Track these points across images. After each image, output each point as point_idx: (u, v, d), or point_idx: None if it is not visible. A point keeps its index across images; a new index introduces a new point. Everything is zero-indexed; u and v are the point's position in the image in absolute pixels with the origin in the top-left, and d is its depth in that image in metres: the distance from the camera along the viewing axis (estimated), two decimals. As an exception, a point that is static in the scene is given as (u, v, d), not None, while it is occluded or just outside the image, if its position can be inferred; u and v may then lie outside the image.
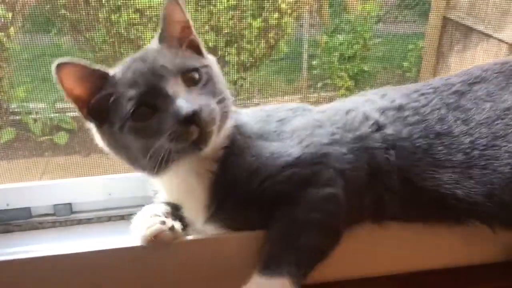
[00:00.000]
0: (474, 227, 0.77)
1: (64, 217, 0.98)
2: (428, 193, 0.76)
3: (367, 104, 0.84)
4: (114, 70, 0.74)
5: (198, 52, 0.78)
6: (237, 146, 0.77)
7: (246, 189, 0.74)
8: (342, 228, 0.75)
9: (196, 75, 0.72)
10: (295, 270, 0.69)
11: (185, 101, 0.67)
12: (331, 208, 0.73)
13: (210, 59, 0.80)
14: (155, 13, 1.30)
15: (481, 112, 0.79)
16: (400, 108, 0.82)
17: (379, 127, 0.79)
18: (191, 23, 0.77)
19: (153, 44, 0.77)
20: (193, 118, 0.66)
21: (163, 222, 0.74)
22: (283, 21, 1.40)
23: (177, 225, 0.76)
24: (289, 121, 0.81)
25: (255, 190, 0.74)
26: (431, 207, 0.77)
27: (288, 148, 0.76)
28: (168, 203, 0.82)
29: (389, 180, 0.76)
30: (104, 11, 1.28)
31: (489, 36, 1.46)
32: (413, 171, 0.76)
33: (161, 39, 0.76)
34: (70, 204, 0.98)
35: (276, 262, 0.69)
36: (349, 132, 0.79)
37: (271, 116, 0.83)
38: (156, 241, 0.72)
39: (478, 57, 1.49)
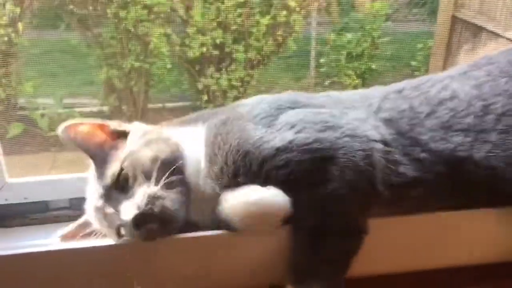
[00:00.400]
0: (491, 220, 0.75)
1: (81, 211, 0.99)
2: (443, 156, 0.72)
3: (372, 91, 0.83)
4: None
5: (122, 133, 0.79)
6: (217, 144, 0.75)
7: (248, 173, 0.72)
8: (362, 222, 0.72)
9: (123, 173, 0.73)
10: (326, 284, 0.69)
11: (124, 215, 0.69)
12: (342, 209, 0.71)
13: (132, 131, 0.79)
14: (163, 10, 1.30)
15: (498, 85, 0.76)
16: (400, 90, 0.80)
17: (376, 108, 0.77)
18: (96, 122, 0.77)
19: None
20: (139, 222, 0.68)
21: None
22: (292, 18, 1.40)
23: None
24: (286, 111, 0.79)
25: (257, 173, 0.71)
26: (449, 174, 0.73)
27: (279, 133, 0.74)
28: None
29: (395, 152, 0.73)
30: (112, 7, 1.29)
31: (498, 35, 1.45)
32: (420, 134, 0.74)
33: (94, 161, 0.77)
34: (86, 198, 0.98)
35: (307, 277, 0.69)
36: (344, 116, 0.77)
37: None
38: None
39: (487, 57, 1.48)
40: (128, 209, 0.69)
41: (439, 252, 0.82)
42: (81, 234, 0.77)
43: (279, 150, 0.71)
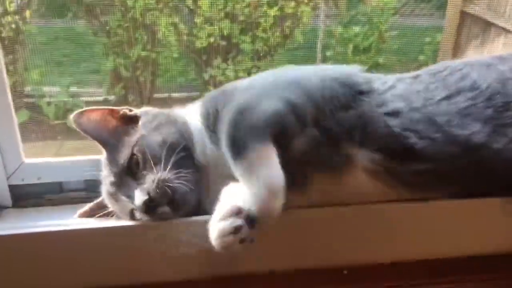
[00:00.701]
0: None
1: (96, 192, 0.99)
2: (458, 140, 0.72)
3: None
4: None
5: (133, 118, 0.80)
6: (207, 101, 0.80)
7: (223, 108, 0.74)
8: (304, 121, 0.73)
9: (134, 158, 0.74)
10: (252, 148, 0.65)
11: (135, 201, 0.71)
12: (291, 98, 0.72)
13: (142, 116, 0.81)
14: (172, -1, 1.30)
15: None
16: (417, 76, 0.80)
17: (390, 85, 0.78)
18: (107, 108, 0.79)
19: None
20: (149, 207, 0.70)
21: (237, 229, 0.65)
22: (300, 10, 1.40)
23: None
24: None
25: (228, 104, 0.73)
26: (462, 156, 0.72)
27: (262, 78, 0.79)
28: None
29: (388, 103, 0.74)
30: (120, -5, 1.28)
31: (507, 31, 1.44)
32: (435, 115, 0.73)
33: (105, 148, 0.79)
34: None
35: (239, 147, 0.66)
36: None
37: None
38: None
39: (496, 52, 1.47)
40: (138, 195, 0.70)
41: (446, 241, 0.82)
42: (98, 215, 0.79)
43: (255, 80, 0.78)
